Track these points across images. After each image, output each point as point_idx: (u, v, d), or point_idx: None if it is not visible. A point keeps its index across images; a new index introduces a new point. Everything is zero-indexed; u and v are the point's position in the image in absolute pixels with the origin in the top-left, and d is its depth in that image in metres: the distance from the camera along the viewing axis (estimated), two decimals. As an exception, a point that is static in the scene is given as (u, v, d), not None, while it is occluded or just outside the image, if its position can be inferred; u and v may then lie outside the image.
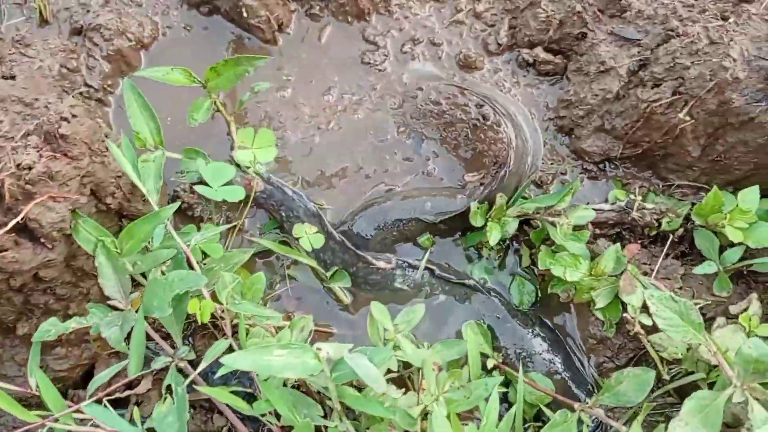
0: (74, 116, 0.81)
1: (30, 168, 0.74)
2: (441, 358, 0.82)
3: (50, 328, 0.79)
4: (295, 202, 0.99)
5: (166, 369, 0.87)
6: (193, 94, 0.95)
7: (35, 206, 0.74)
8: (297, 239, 0.97)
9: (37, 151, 0.76)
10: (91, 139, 0.83)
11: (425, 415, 0.82)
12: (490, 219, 0.97)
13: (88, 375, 0.93)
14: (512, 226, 0.97)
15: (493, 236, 0.95)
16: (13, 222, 0.72)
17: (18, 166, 0.74)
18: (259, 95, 1.08)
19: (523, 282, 1.03)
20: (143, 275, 0.87)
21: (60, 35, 1.08)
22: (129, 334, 0.79)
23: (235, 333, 0.82)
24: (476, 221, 0.98)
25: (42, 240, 0.77)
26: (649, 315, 0.84)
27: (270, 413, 0.79)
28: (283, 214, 0.99)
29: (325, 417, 0.80)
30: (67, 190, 0.78)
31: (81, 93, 1.04)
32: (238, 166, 0.96)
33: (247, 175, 0.96)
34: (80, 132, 0.81)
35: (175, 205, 0.82)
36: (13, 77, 0.94)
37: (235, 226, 1.01)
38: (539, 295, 1.02)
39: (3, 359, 0.88)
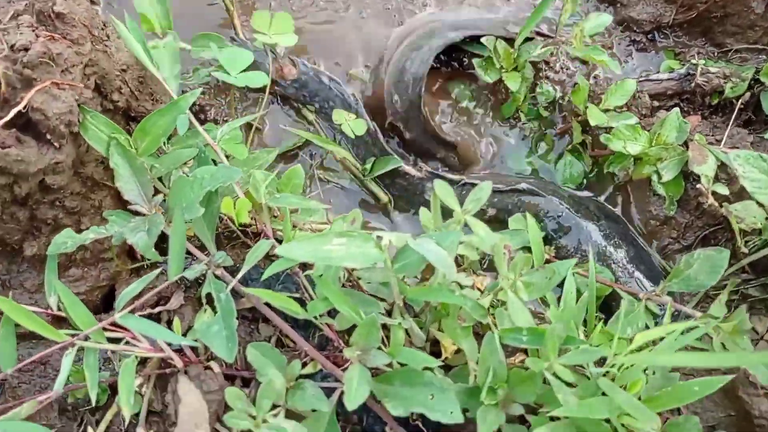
0: (68, -4, 0.70)
1: (26, 49, 0.64)
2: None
3: (66, 239, 0.69)
4: (332, 92, 0.89)
5: (199, 283, 0.79)
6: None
7: (38, 94, 0.63)
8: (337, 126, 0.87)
9: (33, 31, 0.65)
10: (90, 23, 0.72)
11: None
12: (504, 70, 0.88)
13: (108, 299, 0.84)
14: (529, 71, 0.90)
15: (512, 84, 0.87)
16: (16, 109, 0.62)
17: (12, 47, 0.64)
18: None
19: (571, 162, 0.94)
20: (161, 181, 0.77)
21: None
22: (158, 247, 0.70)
23: (276, 240, 0.74)
24: (488, 75, 0.89)
25: (48, 137, 0.66)
26: (725, 183, 0.77)
27: (323, 315, 0.71)
28: (317, 105, 0.89)
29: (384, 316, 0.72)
30: (71, 77, 0.67)
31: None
32: (265, 51, 0.86)
33: (280, 61, 0.86)
34: (78, 12, 0.70)
35: (196, 93, 0.72)
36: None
37: (256, 128, 0.91)
38: (588, 176, 0.94)
39: (12, 286, 0.79)
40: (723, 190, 0.79)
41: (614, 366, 0.65)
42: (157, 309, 0.75)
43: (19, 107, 0.62)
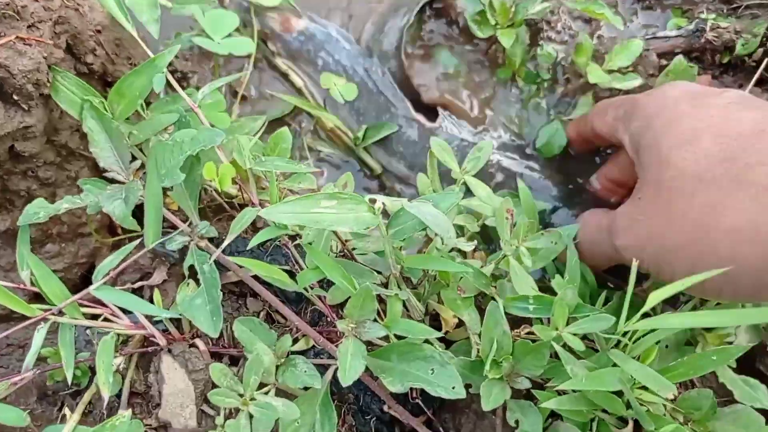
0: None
1: (-13, 2, 0.59)
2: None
3: (38, 209, 0.65)
4: (339, 44, 0.84)
5: (181, 257, 0.75)
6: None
7: (1, 49, 0.59)
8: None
9: (-7, -18, 0.60)
10: (59, -22, 0.67)
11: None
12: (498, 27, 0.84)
13: (87, 276, 0.79)
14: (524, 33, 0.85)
15: (506, 40, 0.82)
16: (-24, 68, 0.57)
17: (-29, 1, 0.59)
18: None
19: (557, 131, 0.87)
20: (140, 149, 0.73)
21: None
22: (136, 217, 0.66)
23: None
24: (481, 31, 0.84)
25: (16, 97, 0.62)
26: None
27: (315, 285, 0.67)
28: (320, 62, 0.84)
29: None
30: (38, 34, 0.63)
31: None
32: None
33: (283, 13, 0.81)
34: (45, -36, 0.65)
35: (175, 49, 0.67)
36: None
37: (242, 96, 0.86)
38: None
39: (-21, 261, 0.74)
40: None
41: (626, 335, 0.61)
42: (139, 284, 0.71)
43: (-20, 64, 0.57)
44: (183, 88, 0.86)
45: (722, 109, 0.57)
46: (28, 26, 0.62)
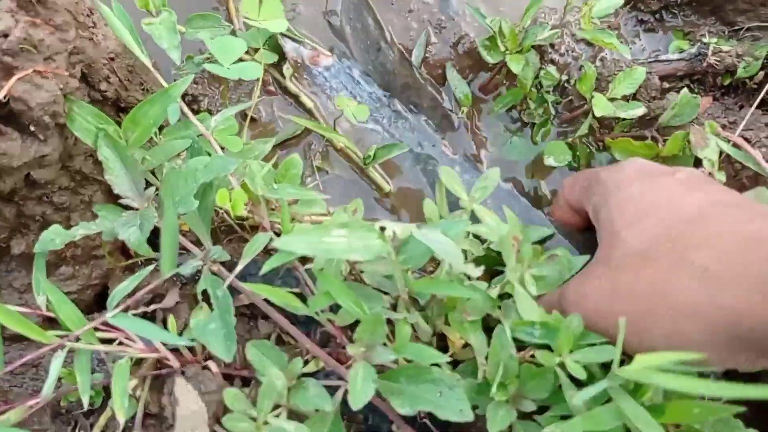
0: (50, -20, 0.67)
1: (5, 35, 0.60)
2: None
3: (54, 236, 0.66)
4: (359, 87, 0.86)
5: (194, 280, 0.76)
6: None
7: (19, 82, 0.60)
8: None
9: (12, 16, 0.61)
10: (74, 9, 0.68)
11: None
12: (508, 52, 0.85)
13: (101, 298, 0.81)
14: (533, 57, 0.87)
15: (515, 66, 0.83)
16: (-4, 100, 0.58)
17: (-9, 34, 0.60)
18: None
19: (561, 148, 0.89)
20: (153, 174, 0.74)
21: None
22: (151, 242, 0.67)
23: (274, 233, 0.71)
24: (492, 56, 0.86)
25: (32, 128, 0.63)
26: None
27: (326, 310, 0.69)
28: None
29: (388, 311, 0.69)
30: (54, 65, 0.64)
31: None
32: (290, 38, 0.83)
33: (314, 49, 0.83)
34: (61, -3, 0.66)
35: (189, 79, 0.68)
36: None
37: (252, 119, 0.88)
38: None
39: (0, 286, 0.76)
40: (722, 177, 0.76)
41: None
42: (152, 307, 0.72)
43: (0, 95, 0.59)
44: (194, 110, 0.88)
45: (670, 190, 0.62)
46: (45, 59, 0.63)
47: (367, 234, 0.61)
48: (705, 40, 0.86)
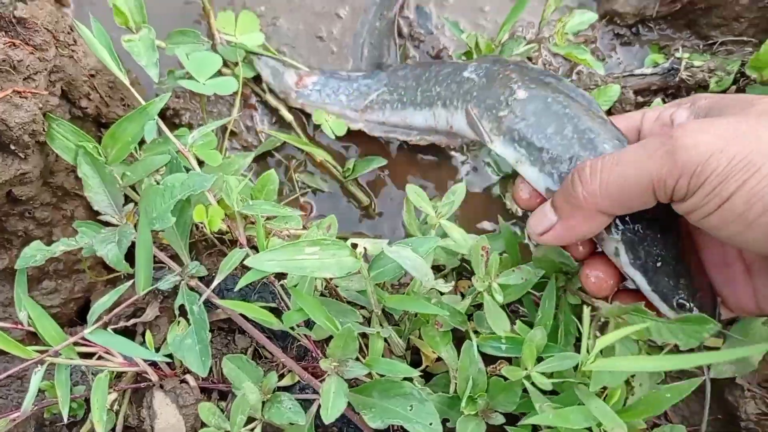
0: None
1: (-16, 59, 0.62)
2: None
3: (35, 252, 0.68)
4: (352, 82, 0.88)
5: (174, 293, 0.78)
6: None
7: (-2, 104, 0.62)
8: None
9: (-9, 39, 0.63)
10: (54, 27, 0.70)
11: (469, 316, 0.74)
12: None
13: (83, 311, 0.83)
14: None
15: None
16: (-26, 123, 0.60)
17: (-31, 57, 0.62)
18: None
19: None
20: (133, 189, 0.76)
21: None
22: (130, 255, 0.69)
23: (250, 247, 0.73)
24: None
25: (13, 147, 0.65)
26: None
27: (300, 325, 0.70)
28: (329, 108, 0.88)
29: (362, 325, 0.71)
30: (34, 85, 0.66)
31: (33, -8, 0.90)
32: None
33: (298, 72, 0.85)
34: (40, 17, 0.68)
35: (165, 97, 0.70)
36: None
37: (232, 132, 0.89)
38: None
39: (-17, 298, 0.78)
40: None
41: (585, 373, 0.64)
42: (132, 321, 0.74)
43: (-22, 119, 0.61)
44: (176, 124, 0.90)
45: None
46: (24, 78, 0.65)
47: (339, 251, 0.63)
48: (678, 55, 0.88)
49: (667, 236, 0.59)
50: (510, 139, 0.66)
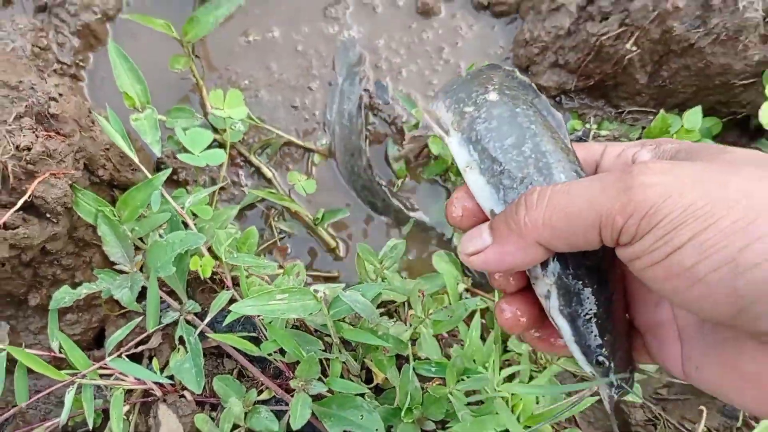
0: (60, 95, 0.87)
1: (29, 149, 0.81)
2: (425, 288, 0.93)
3: (64, 295, 0.87)
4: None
5: (174, 324, 0.97)
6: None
7: (39, 184, 0.81)
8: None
9: (33, 132, 0.82)
10: (78, 116, 0.89)
11: (414, 341, 0.93)
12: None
13: (99, 337, 1.01)
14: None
15: (435, 148, 1.05)
16: (23, 200, 0.79)
17: (17, 147, 0.81)
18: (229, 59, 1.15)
19: None
20: (141, 240, 0.95)
21: (25, 14, 1.12)
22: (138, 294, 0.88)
23: (234, 285, 0.92)
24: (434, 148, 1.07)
25: (48, 215, 0.84)
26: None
27: (275, 352, 0.89)
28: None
29: (325, 351, 0.90)
30: (64, 166, 0.85)
31: (55, 71, 1.09)
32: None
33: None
34: (69, 110, 0.87)
35: (167, 172, 0.89)
36: (-10, 61, 0.98)
37: (221, 187, 1.09)
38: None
39: (18, 330, 0.96)
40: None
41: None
42: (140, 348, 0.93)
43: (25, 197, 0.79)
44: (175, 181, 1.09)
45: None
46: (57, 162, 0.84)
47: (304, 296, 0.82)
48: (587, 126, 1.08)
49: (603, 289, 0.55)
50: (467, 138, 0.60)
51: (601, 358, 0.56)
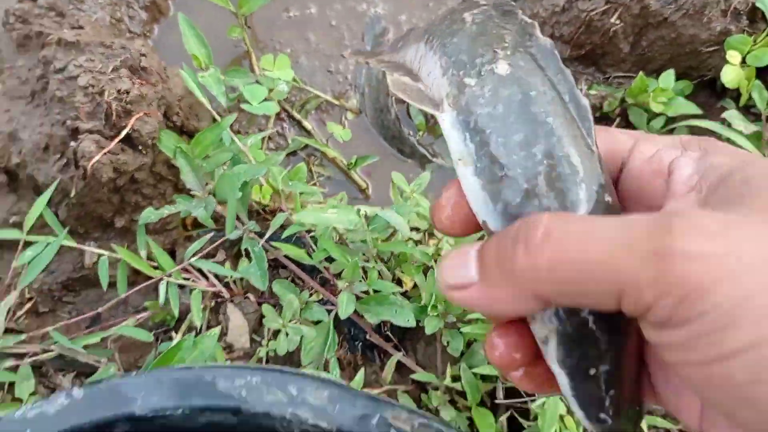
0: (146, 54, 1.08)
1: (127, 92, 1.01)
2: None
3: (150, 214, 1.06)
4: None
5: (233, 246, 1.16)
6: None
7: (136, 121, 1.01)
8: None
9: (129, 80, 1.02)
10: (159, 70, 1.09)
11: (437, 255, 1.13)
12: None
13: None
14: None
15: None
16: (124, 132, 0.99)
17: (118, 91, 1.01)
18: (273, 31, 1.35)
19: None
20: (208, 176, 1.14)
21: (102, -10, 1.32)
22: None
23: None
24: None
25: (140, 147, 1.04)
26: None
27: (324, 260, 1.09)
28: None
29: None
30: (153, 108, 1.05)
31: (127, 38, 1.30)
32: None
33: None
34: (154, 64, 1.07)
35: (233, 116, 1.09)
36: (81, 27, 1.19)
37: (269, 136, 1.29)
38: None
39: (104, 248, 1.16)
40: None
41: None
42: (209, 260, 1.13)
43: (126, 130, 0.99)
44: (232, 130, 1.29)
45: None
46: (148, 104, 1.04)
47: (349, 212, 1.02)
48: (579, 87, 1.29)
49: (614, 339, 0.41)
50: (463, 122, 0.43)
51: (602, 416, 0.43)
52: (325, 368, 1.04)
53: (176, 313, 1.02)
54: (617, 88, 1.31)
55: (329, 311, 1.08)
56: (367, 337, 1.11)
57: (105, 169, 0.99)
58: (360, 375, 1.01)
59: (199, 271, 1.11)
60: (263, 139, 1.28)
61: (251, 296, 1.10)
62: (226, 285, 1.10)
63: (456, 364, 1.09)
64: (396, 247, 1.07)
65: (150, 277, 1.10)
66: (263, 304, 1.12)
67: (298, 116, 1.31)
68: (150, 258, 1.06)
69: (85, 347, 0.94)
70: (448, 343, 1.07)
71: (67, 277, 1.13)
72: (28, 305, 1.07)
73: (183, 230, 1.21)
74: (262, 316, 1.12)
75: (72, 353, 0.94)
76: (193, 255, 1.06)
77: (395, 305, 1.04)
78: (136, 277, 1.10)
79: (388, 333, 1.12)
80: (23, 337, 0.91)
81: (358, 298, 1.06)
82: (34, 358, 0.92)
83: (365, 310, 1.05)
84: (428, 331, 1.04)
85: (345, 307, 1.01)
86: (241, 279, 1.12)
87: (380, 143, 1.37)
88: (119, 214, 1.14)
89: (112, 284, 1.16)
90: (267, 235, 1.07)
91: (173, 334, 1.11)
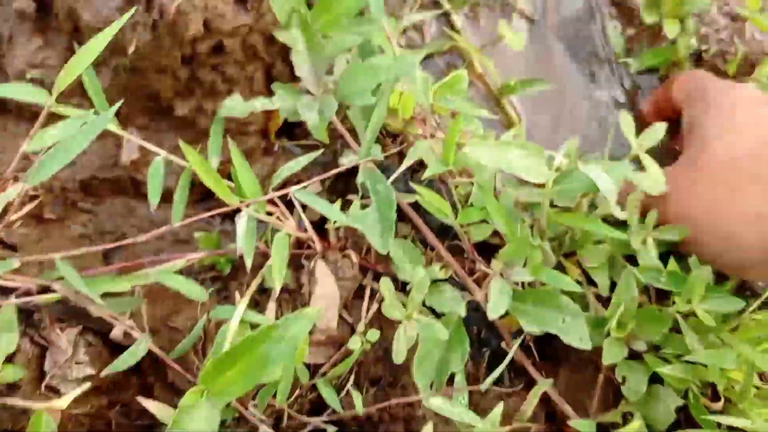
0: None
1: None
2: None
3: (235, 104, 0.73)
4: None
5: (342, 176, 0.82)
6: None
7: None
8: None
9: None
10: None
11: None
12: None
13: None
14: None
15: (671, 30, 0.92)
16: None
17: None
18: None
19: None
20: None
21: None
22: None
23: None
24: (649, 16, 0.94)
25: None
26: None
27: (468, 225, 0.77)
28: None
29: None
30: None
31: None
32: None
33: None
34: None
35: (385, -21, 0.74)
36: None
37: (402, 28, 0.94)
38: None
39: (149, 143, 0.83)
40: None
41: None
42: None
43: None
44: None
45: None
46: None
47: (539, 159, 0.69)
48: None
49: None
50: None
51: None
52: (449, 382, 0.73)
53: (249, 261, 0.69)
54: None
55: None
56: (503, 345, 0.79)
57: (193, 18, 0.65)
58: (498, 410, 0.70)
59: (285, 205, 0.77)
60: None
61: (352, 255, 0.77)
62: (320, 233, 0.78)
63: (616, 406, 0.79)
64: (584, 222, 0.74)
65: (210, 198, 0.78)
66: (375, 274, 0.80)
67: (447, 5, 0.95)
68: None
69: (105, 296, 0.62)
70: (623, 379, 0.75)
71: (90, 175, 0.81)
72: (30, 206, 0.74)
73: (261, 138, 0.87)
74: (361, 287, 0.80)
75: (83, 301, 0.62)
76: (288, 183, 0.73)
77: (564, 312, 0.72)
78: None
79: (531, 345, 0.81)
80: (16, 262, 0.58)
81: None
82: (24, 300, 0.60)
83: (520, 312, 0.73)
84: (606, 360, 0.73)
85: (496, 304, 0.70)
86: (337, 229, 0.80)
87: (562, 62, 1.03)
88: (183, 98, 0.80)
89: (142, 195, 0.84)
90: (401, 168, 0.74)
91: (228, 291, 0.79)
